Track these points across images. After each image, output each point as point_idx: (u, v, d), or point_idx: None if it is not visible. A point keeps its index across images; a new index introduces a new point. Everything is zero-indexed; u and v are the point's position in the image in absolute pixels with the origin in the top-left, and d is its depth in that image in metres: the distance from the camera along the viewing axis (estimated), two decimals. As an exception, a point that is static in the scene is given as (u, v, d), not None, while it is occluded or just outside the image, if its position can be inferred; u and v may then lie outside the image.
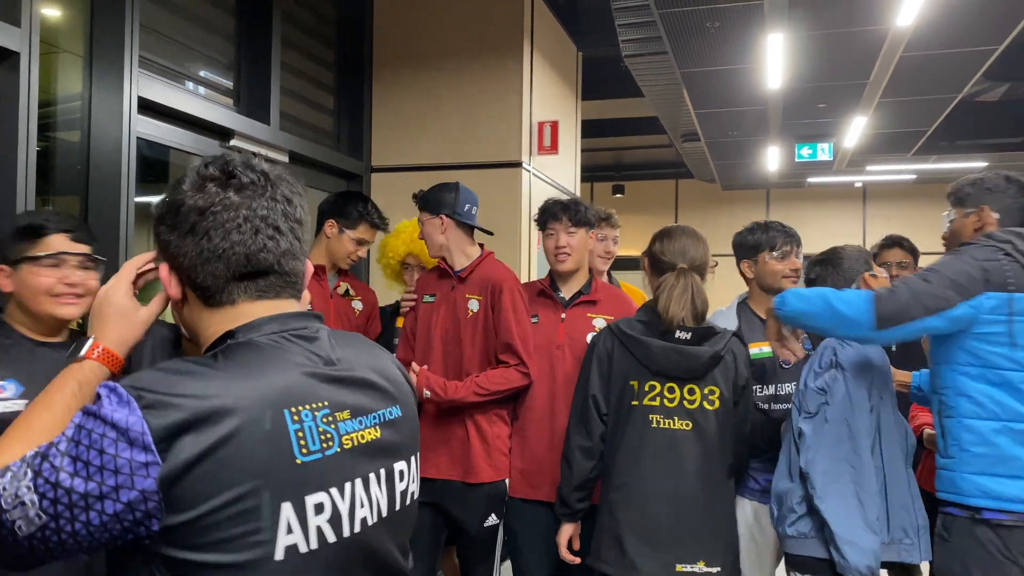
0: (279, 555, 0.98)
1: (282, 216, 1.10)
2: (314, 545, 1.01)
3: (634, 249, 3.90)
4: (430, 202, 2.88)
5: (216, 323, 1.09)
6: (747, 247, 2.87)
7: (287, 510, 0.99)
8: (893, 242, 3.57)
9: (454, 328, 2.85)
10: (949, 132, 8.50)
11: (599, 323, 2.83)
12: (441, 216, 2.84)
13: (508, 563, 3.03)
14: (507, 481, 2.85)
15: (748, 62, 5.59)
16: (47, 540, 0.95)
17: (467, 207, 2.87)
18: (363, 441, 1.09)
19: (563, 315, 2.90)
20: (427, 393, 2.74)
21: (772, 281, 2.81)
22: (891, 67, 5.83)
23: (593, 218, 2.95)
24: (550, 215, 2.91)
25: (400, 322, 3.23)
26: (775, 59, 5.43)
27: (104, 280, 1.29)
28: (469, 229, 2.91)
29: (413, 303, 3.04)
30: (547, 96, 5.25)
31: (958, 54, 5.64)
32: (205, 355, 1.07)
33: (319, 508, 1.02)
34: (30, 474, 0.96)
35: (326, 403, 1.06)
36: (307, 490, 1.01)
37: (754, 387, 2.54)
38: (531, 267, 4.85)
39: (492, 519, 2.81)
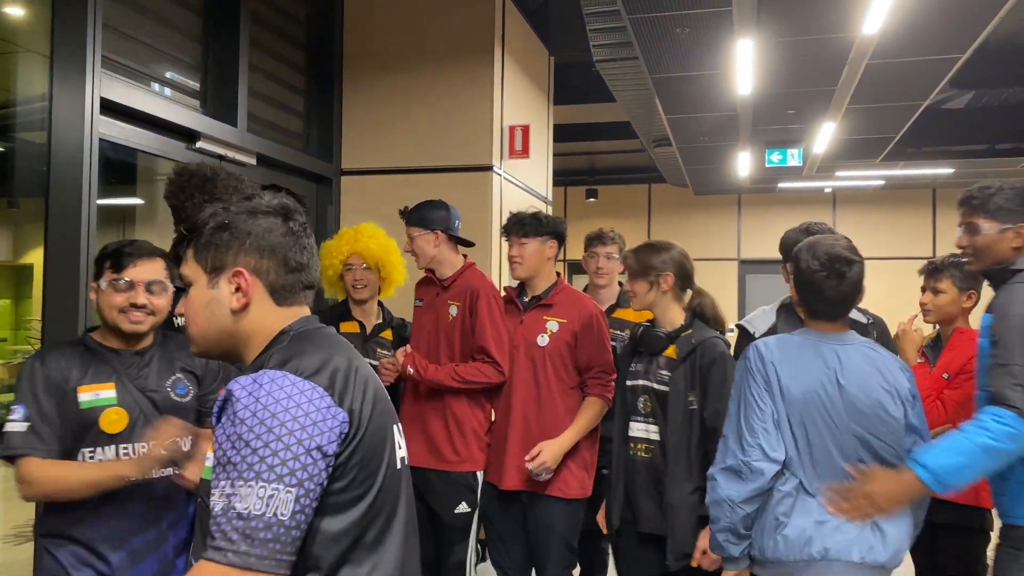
0: (397, 464, 1.34)
1: (313, 247, 1.44)
2: (398, 464, 1.35)
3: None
4: (425, 218, 3.15)
5: (283, 318, 1.37)
6: (785, 249, 2.71)
7: (395, 431, 1.37)
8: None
9: (436, 331, 3.18)
10: (916, 139, 8.60)
11: (552, 325, 3.07)
12: (436, 232, 3.14)
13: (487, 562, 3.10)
14: (479, 474, 3.07)
15: (718, 68, 5.63)
16: (305, 509, 1.17)
17: (456, 223, 3.23)
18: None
19: (522, 318, 3.14)
20: (411, 370, 3.08)
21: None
22: (858, 74, 5.89)
23: (543, 229, 3.11)
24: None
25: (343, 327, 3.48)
26: (744, 65, 5.47)
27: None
28: (455, 242, 3.23)
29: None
30: (518, 100, 5.25)
31: (924, 62, 5.72)
32: (279, 345, 1.33)
33: (400, 431, 1.41)
34: (259, 479, 1.14)
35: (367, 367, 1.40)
36: (395, 419, 1.40)
37: None
38: (502, 270, 4.84)
39: (463, 507, 3.03)
